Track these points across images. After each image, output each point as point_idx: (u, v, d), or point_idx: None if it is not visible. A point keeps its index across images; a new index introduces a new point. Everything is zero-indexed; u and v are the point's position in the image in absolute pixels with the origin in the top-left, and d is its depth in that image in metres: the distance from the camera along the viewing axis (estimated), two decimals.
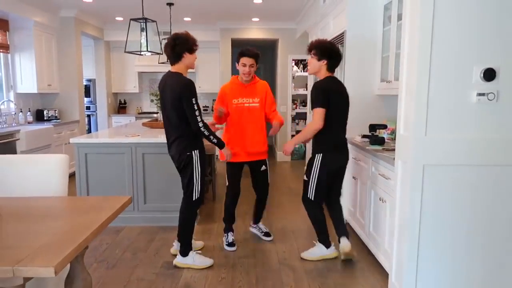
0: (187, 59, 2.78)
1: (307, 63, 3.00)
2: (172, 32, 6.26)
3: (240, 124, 3.18)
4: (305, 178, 3.04)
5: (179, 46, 2.73)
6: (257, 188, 3.40)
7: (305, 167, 3.15)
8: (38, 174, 2.31)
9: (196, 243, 3.27)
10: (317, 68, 2.87)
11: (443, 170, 2.19)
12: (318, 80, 2.93)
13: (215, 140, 2.83)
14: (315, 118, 2.78)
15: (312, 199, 2.98)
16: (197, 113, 2.72)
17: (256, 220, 3.58)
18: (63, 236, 1.58)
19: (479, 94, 2.13)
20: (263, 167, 3.32)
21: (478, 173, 2.19)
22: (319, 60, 2.84)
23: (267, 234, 3.52)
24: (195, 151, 2.83)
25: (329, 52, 2.83)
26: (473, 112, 2.15)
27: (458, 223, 2.23)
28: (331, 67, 2.87)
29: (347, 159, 3.00)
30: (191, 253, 2.95)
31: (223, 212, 3.39)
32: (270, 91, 3.32)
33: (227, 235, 3.35)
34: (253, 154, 3.23)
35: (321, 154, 2.90)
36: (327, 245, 3.07)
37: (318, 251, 3.09)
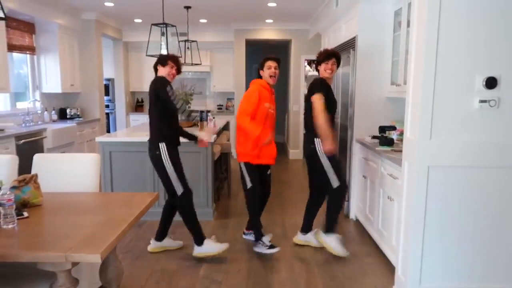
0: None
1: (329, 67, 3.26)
2: (189, 34, 6.50)
3: (267, 128, 3.24)
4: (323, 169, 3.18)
5: None
6: (265, 188, 3.46)
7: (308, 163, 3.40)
8: (73, 171, 2.53)
9: (175, 242, 3.40)
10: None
11: (446, 171, 2.35)
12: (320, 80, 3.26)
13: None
14: None
15: (339, 184, 3.15)
16: (171, 98, 3.04)
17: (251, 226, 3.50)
18: (104, 228, 1.80)
19: (481, 101, 2.28)
20: (269, 171, 3.49)
21: (480, 174, 2.34)
22: (337, 68, 3.28)
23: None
24: (162, 143, 3.06)
25: None
26: (476, 118, 2.31)
27: (461, 221, 2.39)
28: None
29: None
30: (205, 241, 3.16)
31: (250, 219, 3.39)
32: None
33: (262, 241, 3.26)
34: (272, 158, 3.34)
35: (319, 139, 3.17)
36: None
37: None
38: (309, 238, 3.43)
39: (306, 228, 3.46)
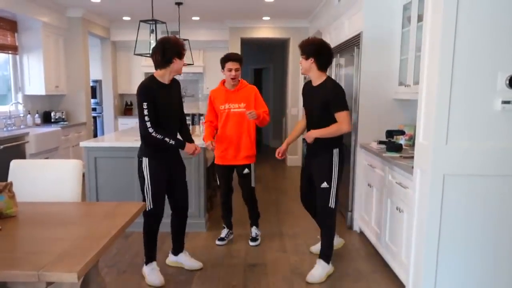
0: (176, 64, 2.64)
1: None
2: (181, 32, 6.23)
3: (227, 129, 3.28)
4: (325, 184, 2.80)
5: (170, 50, 2.60)
6: (242, 190, 3.50)
7: (316, 171, 2.89)
8: (52, 179, 2.32)
9: (192, 261, 3.03)
10: (307, 67, 2.79)
11: (465, 180, 2.11)
12: (310, 79, 2.88)
13: (172, 142, 2.62)
14: (346, 121, 2.72)
15: (333, 206, 2.83)
16: (146, 118, 2.55)
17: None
18: (83, 242, 1.61)
19: (504, 102, 2.05)
20: (246, 170, 3.38)
21: (503, 184, 2.11)
22: (306, 59, 2.78)
23: (253, 239, 3.53)
24: (145, 158, 2.68)
25: (315, 49, 2.75)
26: (498, 121, 2.08)
27: (481, 236, 2.15)
28: (321, 65, 2.78)
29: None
30: (149, 265, 2.80)
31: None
32: (259, 95, 3.36)
33: (222, 231, 3.57)
34: (239, 158, 3.33)
35: (338, 149, 2.82)
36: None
37: (322, 270, 2.89)
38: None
39: None
